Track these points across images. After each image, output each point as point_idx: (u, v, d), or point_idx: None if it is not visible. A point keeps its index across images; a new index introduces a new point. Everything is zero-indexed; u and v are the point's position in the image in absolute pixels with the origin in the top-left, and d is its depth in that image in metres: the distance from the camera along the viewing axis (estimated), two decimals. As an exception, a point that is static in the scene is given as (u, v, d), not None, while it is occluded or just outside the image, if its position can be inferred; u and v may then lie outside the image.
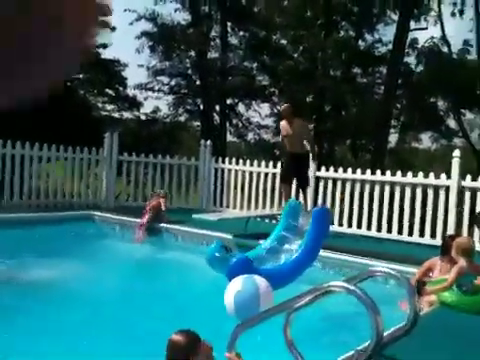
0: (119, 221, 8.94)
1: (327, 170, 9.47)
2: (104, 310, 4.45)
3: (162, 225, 8.43)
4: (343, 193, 8.98)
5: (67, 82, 18.98)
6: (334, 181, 9.31)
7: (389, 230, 8.53)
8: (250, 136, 22.07)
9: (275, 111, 21.62)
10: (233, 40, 21.32)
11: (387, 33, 20.80)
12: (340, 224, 9.16)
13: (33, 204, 9.70)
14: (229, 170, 10.81)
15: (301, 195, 8.77)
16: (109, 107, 21.62)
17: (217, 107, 20.79)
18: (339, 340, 3.54)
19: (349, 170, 9.20)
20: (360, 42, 20.62)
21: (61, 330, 3.92)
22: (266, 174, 10.31)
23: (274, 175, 10.17)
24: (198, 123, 21.61)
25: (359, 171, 9.09)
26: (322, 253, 6.59)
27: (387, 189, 8.66)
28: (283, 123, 8.76)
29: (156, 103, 35.81)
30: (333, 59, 19.50)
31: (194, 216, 7.89)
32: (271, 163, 10.32)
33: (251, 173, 10.48)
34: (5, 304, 4.38)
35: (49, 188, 10.05)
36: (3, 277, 5.13)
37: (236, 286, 3.31)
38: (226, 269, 4.63)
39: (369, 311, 1.98)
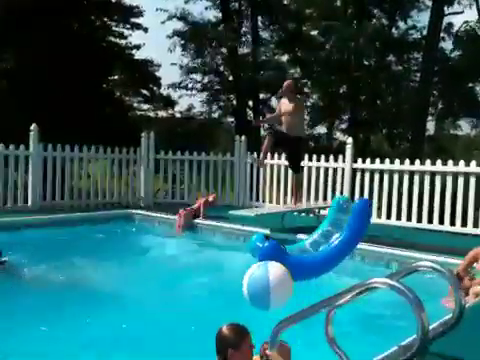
0: (158, 218, 9.09)
1: (364, 161, 9.34)
2: (152, 307, 4.55)
3: (199, 221, 8.52)
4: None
5: (104, 84, 19.41)
6: (372, 172, 9.18)
7: (430, 220, 8.37)
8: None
9: (307, 104, 21.44)
10: (264, 34, 21.28)
11: (421, 19, 20.31)
12: (378, 216, 9.05)
13: (75, 204, 9.99)
14: (265, 165, 10.79)
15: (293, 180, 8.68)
16: (145, 107, 21.97)
17: (250, 102, 20.78)
18: (381, 335, 3.50)
19: (387, 161, 9.05)
20: (393, 30, 20.19)
21: (115, 324, 4.04)
22: (301, 167, 10.24)
23: (310, 168, 10.11)
24: (232, 119, 21.67)
25: (397, 161, 8.93)
26: (362, 246, 6.57)
27: (427, 179, 8.48)
28: (284, 100, 8.12)
29: (190, 101, 36.09)
30: (366, 48, 19.17)
31: (231, 212, 7.94)
32: (306, 156, 10.25)
33: (287, 167, 10.43)
34: (54, 303, 4.53)
35: (90, 188, 10.32)
36: (51, 278, 5.29)
37: (250, 272, 3.27)
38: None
39: (414, 308, 1.96)
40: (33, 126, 9.35)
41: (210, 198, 9.17)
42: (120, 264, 5.96)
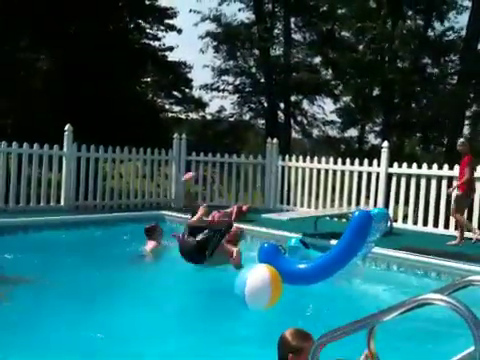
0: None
1: (400, 166, 9.10)
2: (188, 308, 4.50)
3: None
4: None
5: (137, 86, 19.62)
6: (408, 177, 8.93)
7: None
8: (315, 132, 21.77)
9: (339, 106, 21.17)
10: (296, 36, 21.11)
11: (460, 20, 19.77)
12: (414, 222, 8.80)
13: (107, 205, 10.05)
14: (296, 168, 10.67)
15: None
16: (176, 109, 22.09)
17: (281, 105, 20.63)
18: (426, 352, 3.32)
19: (424, 166, 8.78)
20: (429, 31, 19.70)
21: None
22: (334, 171, 10.07)
23: (342, 172, 9.91)
24: (263, 121, 21.56)
25: (435, 166, 8.66)
26: (400, 254, 6.37)
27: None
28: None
29: (221, 103, 36.19)
30: (401, 49, 18.75)
31: (263, 216, 7.82)
32: (340, 160, 10.06)
33: (319, 170, 10.27)
34: (88, 300, 4.51)
35: (122, 189, 10.37)
36: (86, 276, 5.29)
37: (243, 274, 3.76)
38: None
39: (471, 326, 1.81)
40: (67, 126, 9.44)
41: (244, 208, 9.09)
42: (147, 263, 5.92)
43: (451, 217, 8.14)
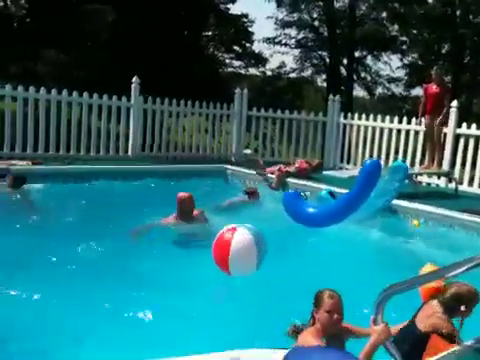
0: (249, 175, 9.18)
1: (468, 127, 8.78)
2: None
3: (293, 181, 8.52)
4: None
5: (197, 40, 19.61)
6: (476, 139, 8.62)
7: None
8: (379, 90, 21.11)
9: (406, 62, 20.35)
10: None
11: None
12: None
13: (170, 156, 10.38)
14: (358, 126, 10.50)
15: None
16: (236, 64, 21.97)
17: (344, 61, 20.07)
18: None
19: (496, 127, 8.44)
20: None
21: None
22: (399, 130, 9.84)
23: (407, 132, 9.68)
24: (324, 77, 21.13)
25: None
26: (466, 217, 6.29)
27: None
28: None
29: (281, 58, 35.54)
30: (473, 2, 17.61)
31: (325, 173, 7.85)
32: (404, 119, 9.80)
33: (382, 129, 10.07)
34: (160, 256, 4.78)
35: (185, 142, 10.64)
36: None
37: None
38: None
39: None
40: (134, 78, 9.70)
41: (315, 163, 9.17)
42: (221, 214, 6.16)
43: None
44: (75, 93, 9.22)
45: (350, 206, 5.16)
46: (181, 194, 5.42)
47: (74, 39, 15.29)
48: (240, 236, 3.38)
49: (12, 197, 6.48)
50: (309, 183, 8.27)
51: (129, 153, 9.82)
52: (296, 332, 2.87)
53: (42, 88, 8.96)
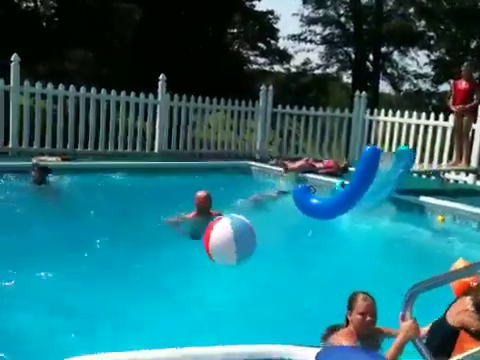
0: (274, 171, 9.20)
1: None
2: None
3: (312, 176, 8.50)
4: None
5: (221, 38, 19.67)
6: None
7: None
8: (405, 86, 20.83)
9: (433, 58, 20.04)
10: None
11: None
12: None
13: (196, 153, 10.46)
14: (385, 122, 10.40)
15: None
16: (260, 61, 21.97)
17: (370, 56, 19.87)
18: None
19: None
20: None
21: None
22: (426, 127, 9.71)
23: (435, 128, 9.54)
24: (349, 74, 20.96)
25: None
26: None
27: None
28: None
29: (306, 55, 35.37)
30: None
31: (351, 169, 7.81)
32: (432, 115, 9.67)
33: (409, 125, 9.95)
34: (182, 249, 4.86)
35: (210, 139, 10.71)
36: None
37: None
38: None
39: None
40: (161, 76, 9.81)
41: (342, 165, 9.13)
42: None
43: None
44: (103, 91, 9.38)
45: (353, 196, 5.43)
46: (199, 193, 5.64)
47: (101, 38, 15.53)
48: (219, 229, 3.37)
49: (40, 190, 6.68)
50: (327, 178, 8.24)
51: (155, 150, 9.94)
52: None
53: (71, 86, 9.14)
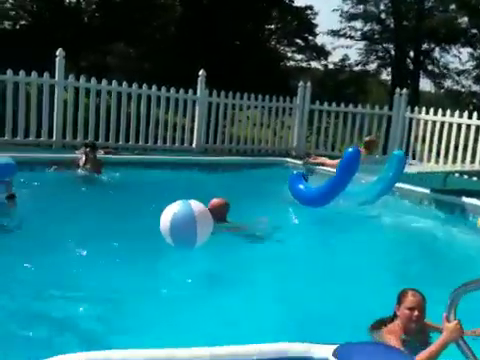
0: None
1: None
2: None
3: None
4: None
5: (259, 34, 19.68)
6: None
7: None
8: (447, 84, 20.33)
9: (476, 55, 19.49)
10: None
11: None
12: None
13: (233, 149, 10.53)
14: (426, 121, 10.20)
15: None
16: (297, 57, 21.85)
17: (411, 53, 19.49)
18: None
19: None
20: None
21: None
22: (468, 126, 9.49)
23: (478, 128, 9.31)
24: (388, 71, 20.61)
25: None
26: None
27: None
28: None
29: (345, 52, 34.94)
30: None
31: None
32: (475, 114, 9.43)
33: (451, 124, 9.74)
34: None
35: (247, 135, 10.76)
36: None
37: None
38: None
39: None
40: (201, 72, 9.89)
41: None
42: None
43: None
44: (145, 86, 9.54)
45: (334, 188, 5.94)
46: (215, 200, 5.01)
47: (142, 33, 15.78)
48: (165, 213, 3.95)
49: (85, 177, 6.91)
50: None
51: (193, 145, 10.06)
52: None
53: (114, 81, 9.33)
